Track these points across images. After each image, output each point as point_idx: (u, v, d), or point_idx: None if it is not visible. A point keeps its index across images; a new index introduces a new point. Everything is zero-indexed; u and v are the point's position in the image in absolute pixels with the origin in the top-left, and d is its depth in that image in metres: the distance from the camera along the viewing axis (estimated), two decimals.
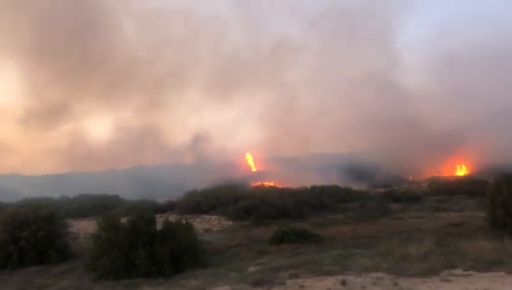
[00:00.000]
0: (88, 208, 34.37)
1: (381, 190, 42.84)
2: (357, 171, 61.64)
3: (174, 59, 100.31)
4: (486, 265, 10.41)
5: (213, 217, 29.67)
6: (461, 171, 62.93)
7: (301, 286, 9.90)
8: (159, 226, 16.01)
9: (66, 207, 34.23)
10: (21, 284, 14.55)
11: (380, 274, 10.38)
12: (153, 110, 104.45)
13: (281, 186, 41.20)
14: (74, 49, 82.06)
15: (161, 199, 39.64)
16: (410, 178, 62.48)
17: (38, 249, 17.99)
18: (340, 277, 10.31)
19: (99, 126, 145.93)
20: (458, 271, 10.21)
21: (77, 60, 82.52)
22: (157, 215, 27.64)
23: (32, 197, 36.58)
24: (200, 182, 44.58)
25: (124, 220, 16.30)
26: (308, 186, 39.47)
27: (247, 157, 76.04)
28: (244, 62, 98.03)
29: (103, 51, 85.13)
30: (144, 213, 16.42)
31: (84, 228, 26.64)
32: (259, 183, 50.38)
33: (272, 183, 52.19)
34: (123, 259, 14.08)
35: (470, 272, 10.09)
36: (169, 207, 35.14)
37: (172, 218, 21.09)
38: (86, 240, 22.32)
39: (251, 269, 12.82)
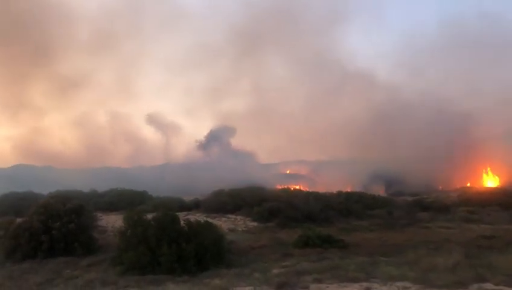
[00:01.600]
0: (116, 203, 35.00)
1: (409, 199, 42.09)
2: (385, 179, 60.83)
3: None
4: None
5: (238, 218, 29.74)
6: (494, 182, 61.20)
7: None
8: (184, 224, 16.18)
9: (95, 200, 34.96)
10: (50, 274, 14.93)
11: (406, 284, 10.20)
12: None
13: (307, 190, 41.05)
14: None
15: (188, 197, 40.02)
16: (440, 187, 61.13)
17: (68, 240, 18.42)
18: (365, 284, 10.19)
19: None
20: (488, 285, 9.92)
21: None
22: (183, 213, 28.13)
23: (63, 190, 37.53)
24: (226, 182, 44.79)
25: (150, 216, 16.58)
26: (335, 191, 39.15)
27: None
28: None
29: None
30: (168, 211, 16.60)
31: (113, 221, 27.13)
32: (285, 186, 50.37)
33: (298, 187, 52.12)
34: (149, 255, 14.29)
35: (501, 287, 9.79)
36: (196, 205, 35.43)
37: (197, 216, 21.35)
38: (113, 234, 22.76)
39: (275, 271, 12.80)
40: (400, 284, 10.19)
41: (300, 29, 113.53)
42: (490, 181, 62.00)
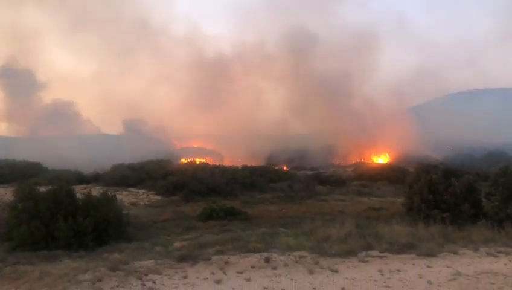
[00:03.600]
0: (6, 175, 32.26)
1: (309, 173, 44.19)
2: (288, 153, 63.14)
3: None
4: (400, 248, 11.14)
5: (141, 191, 29.09)
6: (384, 159, 66.50)
7: (226, 263, 10.01)
8: (82, 197, 15.42)
9: None
10: None
11: (303, 253, 10.76)
12: None
13: (213, 164, 41.20)
14: None
15: (86, 170, 38.11)
16: (337, 163, 65.00)
17: None
18: (265, 254, 10.55)
19: None
20: (375, 253, 10.84)
21: None
22: (81, 187, 26.76)
23: None
24: (129, 156, 43.42)
25: (44, 189, 15.53)
26: (240, 166, 39.83)
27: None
28: None
29: None
30: (64, 183, 15.71)
31: (0, 195, 25.02)
32: (191, 160, 50.11)
33: (204, 160, 52.11)
34: (43, 230, 13.43)
35: (385, 254, 10.75)
36: (95, 179, 33.96)
37: (97, 190, 20.44)
38: (0, 209, 21.00)
39: (177, 244, 12.75)
40: (297, 253, 10.73)
41: None
42: (380, 158, 67.29)
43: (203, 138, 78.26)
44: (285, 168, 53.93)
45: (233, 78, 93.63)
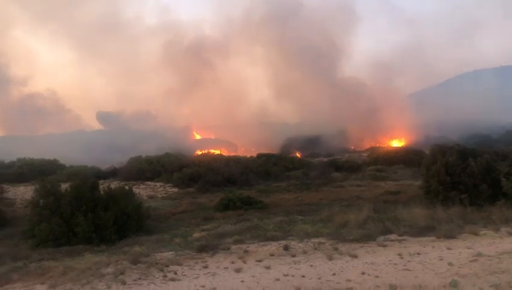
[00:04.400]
0: (26, 173, 32.81)
1: (325, 159, 44.04)
2: (302, 141, 62.90)
3: None
4: (419, 231, 11.10)
5: (158, 184, 29.34)
6: (399, 142, 65.90)
7: (245, 251, 10.10)
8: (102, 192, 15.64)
9: (1, 172, 32.48)
10: None
11: (321, 239, 10.80)
12: None
13: (227, 154, 41.34)
14: None
15: (104, 165, 38.55)
16: (352, 148, 64.60)
17: None
18: (283, 242, 10.62)
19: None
20: (393, 236, 10.82)
21: None
22: (100, 182, 27.08)
23: None
24: (145, 149, 43.74)
25: (64, 186, 15.78)
26: (254, 155, 39.86)
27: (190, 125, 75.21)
28: None
29: None
30: (87, 178, 15.94)
31: (22, 193, 25.49)
32: (206, 151, 50.34)
33: (218, 151, 52.31)
34: (63, 226, 13.68)
35: (404, 237, 10.73)
36: (112, 174, 34.33)
37: (115, 184, 20.68)
38: (22, 207, 21.42)
39: (196, 235, 12.90)
40: (315, 240, 10.77)
41: None
42: (396, 141, 66.69)
43: (216, 128, 78.29)
44: (299, 155, 53.84)
45: (236, 68, 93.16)
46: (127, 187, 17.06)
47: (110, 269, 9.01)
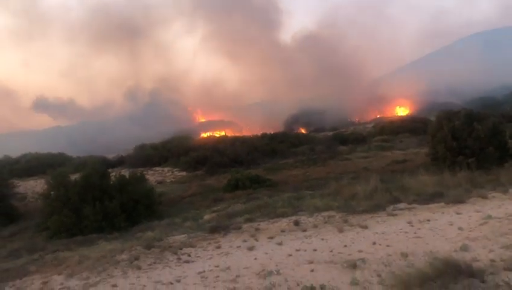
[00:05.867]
0: (34, 167, 33.11)
1: (330, 133, 43.98)
2: (306, 116, 62.78)
3: None
4: (428, 198, 11.12)
5: (166, 169, 29.53)
6: (404, 111, 65.58)
7: (257, 229, 10.19)
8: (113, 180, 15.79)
9: (9, 167, 32.77)
10: None
11: (331, 213, 10.85)
12: None
13: (232, 135, 41.36)
14: None
15: (110, 154, 38.77)
16: (356, 120, 64.43)
17: None
18: (294, 218, 10.68)
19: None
20: (402, 205, 10.85)
21: None
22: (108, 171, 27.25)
23: None
24: (148, 136, 43.87)
25: (73, 177, 15.91)
26: (259, 134, 39.88)
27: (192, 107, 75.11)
28: None
29: None
30: (96, 167, 16.07)
31: (32, 187, 25.77)
32: (210, 133, 50.41)
33: (223, 133, 52.36)
34: (73, 217, 13.85)
35: (413, 205, 10.75)
36: (120, 162, 34.55)
37: (123, 172, 20.82)
38: (34, 200, 21.68)
39: (207, 216, 13.01)
40: (325, 214, 10.83)
41: None
42: (400, 110, 66.34)
43: (221, 110, 78.19)
44: (303, 131, 53.76)
45: None
46: (138, 174, 17.16)
47: (124, 256, 9.14)
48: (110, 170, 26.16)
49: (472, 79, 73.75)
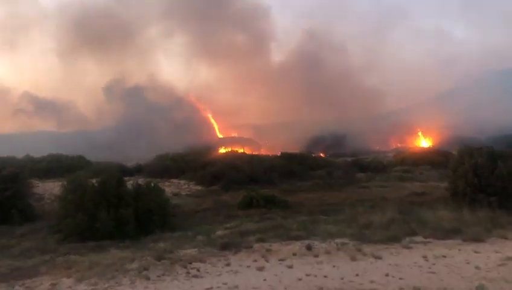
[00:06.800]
0: (54, 169, 33.61)
1: (349, 159, 43.65)
2: (326, 140, 62.54)
3: None
4: (445, 233, 10.88)
5: (182, 182, 29.63)
6: (426, 143, 64.80)
7: (268, 250, 10.10)
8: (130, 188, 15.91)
9: (30, 167, 33.34)
10: None
11: (345, 240, 10.70)
12: None
13: (250, 153, 41.41)
14: None
15: (130, 162, 39.19)
16: (377, 148, 63.90)
17: (4, 208, 17.56)
18: (306, 242, 10.56)
19: None
20: (418, 238, 10.64)
21: None
22: (125, 179, 27.51)
23: None
24: (170, 146, 44.21)
25: (91, 182, 16.08)
26: (278, 154, 39.83)
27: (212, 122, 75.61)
28: None
29: None
30: (113, 174, 16.21)
31: (50, 189, 26.13)
32: (229, 149, 50.59)
33: (242, 150, 52.49)
34: (86, 221, 13.92)
35: (430, 239, 10.53)
36: (138, 170, 34.82)
37: (140, 182, 20.97)
38: (50, 202, 21.97)
39: (219, 232, 12.96)
40: (338, 240, 10.68)
41: None
42: (423, 142, 65.55)
43: (241, 127, 78.44)
44: (323, 155, 53.52)
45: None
46: (152, 184, 17.26)
47: (134, 265, 9.15)
48: (127, 178, 26.47)
49: (497, 116, 72.61)
